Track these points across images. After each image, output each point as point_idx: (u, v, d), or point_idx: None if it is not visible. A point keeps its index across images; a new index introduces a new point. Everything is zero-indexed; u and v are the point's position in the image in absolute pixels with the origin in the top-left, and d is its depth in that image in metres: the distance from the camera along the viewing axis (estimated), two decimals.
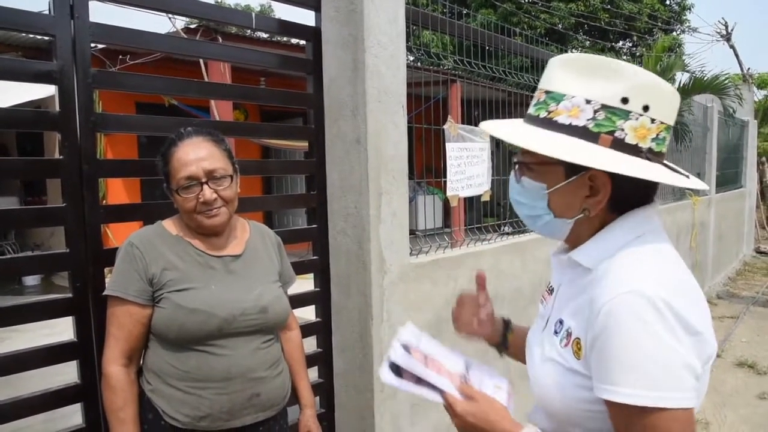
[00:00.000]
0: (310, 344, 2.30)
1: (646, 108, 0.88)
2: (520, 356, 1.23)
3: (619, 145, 0.88)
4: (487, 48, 3.08)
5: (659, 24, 16.43)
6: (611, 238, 0.92)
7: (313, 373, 2.32)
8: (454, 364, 1.07)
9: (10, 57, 5.01)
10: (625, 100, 0.87)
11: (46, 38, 1.58)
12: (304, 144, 2.29)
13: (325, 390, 2.31)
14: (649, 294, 0.80)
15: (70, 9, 1.54)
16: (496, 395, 1.03)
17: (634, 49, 16.89)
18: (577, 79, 0.90)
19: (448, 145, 2.79)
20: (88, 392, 1.61)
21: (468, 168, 2.88)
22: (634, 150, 0.88)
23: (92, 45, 1.62)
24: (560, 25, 15.12)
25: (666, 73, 7.90)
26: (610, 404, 0.83)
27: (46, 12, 1.55)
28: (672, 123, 0.92)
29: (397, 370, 1.02)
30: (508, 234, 3.28)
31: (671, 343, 0.79)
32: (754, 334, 5.81)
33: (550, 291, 1.07)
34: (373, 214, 2.11)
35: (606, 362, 0.82)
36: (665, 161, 0.94)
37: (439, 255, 2.60)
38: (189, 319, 1.42)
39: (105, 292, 1.47)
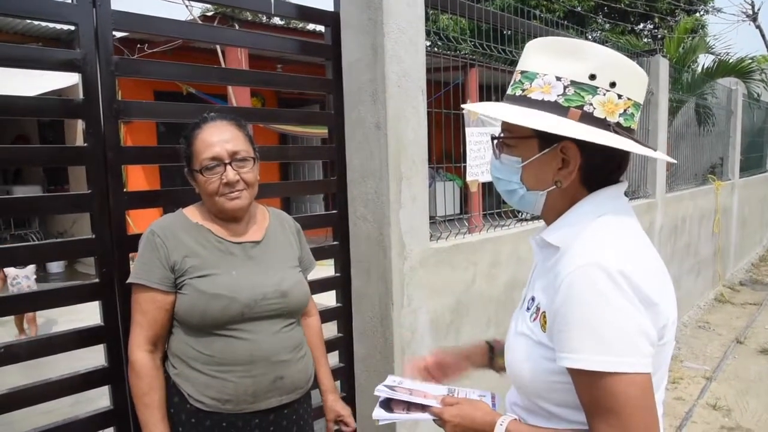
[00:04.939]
0: (331, 329, 2.32)
1: (613, 84, 0.94)
2: None
3: (588, 118, 0.94)
4: (505, 32, 3.04)
5: (682, 4, 16.06)
6: (576, 217, 0.98)
7: (334, 358, 2.34)
8: (438, 390, 1.17)
9: (34, 46, 5.07)
10: (593, 77, 0.93)
11: (66, 29, 1.60)
12: (323, 131, 2.30)
13: (345, 374, 2.33)
14: (605, 265, 0.86)
15: None
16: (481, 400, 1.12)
17: (656, 31, 16.55)
18: (548, 58, 0.96)
19: (468, 130, 2.77)
20: (115, 375, 1.65)
21: (488, 153, 2.86)
22: (602, 123, 0.94)
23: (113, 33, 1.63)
24: (579, 8, 14.85)
25: (689, 56, 7.75)
26: (572, 372, 0.89)
27: (69, 1, 1.57)
28: (641, 101, 0.97)
29: (387, 406, 1.11)
30: (526, 220, 3.25)
31: (627, 311, 0.85)
32: None
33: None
34: (393, 200, 2.11)
35: (566, 331, 0.88)
36: (635, 137, 0.98)
37: (458, 240, 2.60)
38: (211, 305, 1.44)
39: (129, 280, 1.49)
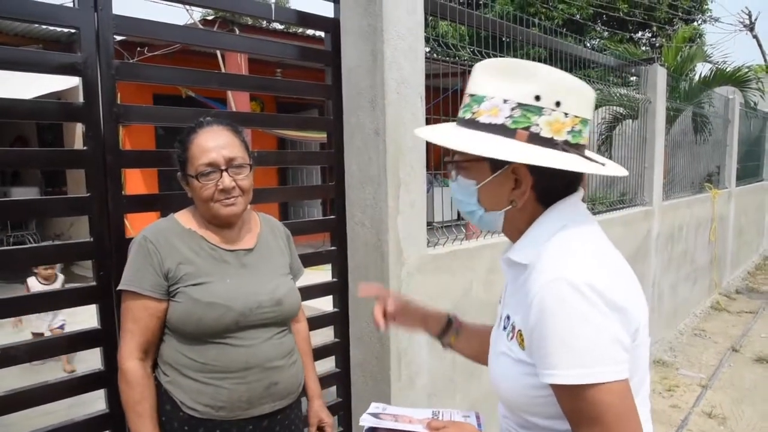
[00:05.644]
0: (328, 334, 2.32)
1: (558, 104, 0.94)
2: (472, 355, 1.34)
3: (535, 138, 0.95)
4: (504, 39, 3.06)
5: (680, 14, 16.15)
6: (538, 232, 0.99)
7: (331, 363, 2.35)
8: (423, 414, 1.17)
9: (35, 49, 5.08)
10: (537, 98, 0.94)
11: (67, 31, 1.61)
12: (321, 136, 2.31)
13: (342, 380, 2.33)
14: (571, 279, 0.87)
15: (94, 1, 1.56)
16: (466, 422, 1.13)
17: (654, 39, 16.64)
18: (495, 81, 0.97)
19: None
20: (111, 379, 1.64)
21: None
22: (549, 143, 0.95)
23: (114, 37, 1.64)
24: (578, 16, 14.93)
25: (686, 64, 7.80)
26: (553, 387, 0.90)
27: (70, 4, 1.58)
28: (588, 116, 0.98)
29: None
30: None
31: (598, 322, 0.86)
32: None
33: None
34: (392, 205, 2.12)
35: (543, 348, 0.89)
36: (585, 152, 0.99)
37: (456, 246, 2.61)
38: (206, 313, 1.43)
39: (120, 287, 1.46)
